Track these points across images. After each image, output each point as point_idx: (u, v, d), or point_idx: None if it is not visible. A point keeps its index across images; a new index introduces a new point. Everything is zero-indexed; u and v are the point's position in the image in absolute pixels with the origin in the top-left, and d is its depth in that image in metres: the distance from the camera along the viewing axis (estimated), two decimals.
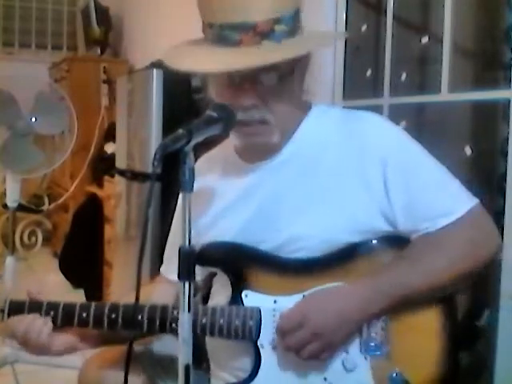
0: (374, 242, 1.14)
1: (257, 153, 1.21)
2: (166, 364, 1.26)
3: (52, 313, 1.14)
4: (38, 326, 1.12)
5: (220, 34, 1.08)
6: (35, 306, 1.15)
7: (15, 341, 1.15)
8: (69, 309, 1.14)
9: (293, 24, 1.11)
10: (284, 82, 1.12)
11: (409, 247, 1.13)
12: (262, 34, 1.07)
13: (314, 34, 1.18)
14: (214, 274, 1.23)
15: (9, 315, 1.15)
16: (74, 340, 1.16)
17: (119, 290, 2.94)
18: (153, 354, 1.31)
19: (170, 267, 1.31)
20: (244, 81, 1.09)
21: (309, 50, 1.15)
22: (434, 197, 1.13)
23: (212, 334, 1.11)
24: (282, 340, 1.08)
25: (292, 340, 1.06)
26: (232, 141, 1.19)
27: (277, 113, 1.12)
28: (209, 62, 1.10)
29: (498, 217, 1.54)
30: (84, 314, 1.13)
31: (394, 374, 1.08)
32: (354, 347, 1.10)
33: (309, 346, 1.05)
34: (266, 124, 1.12)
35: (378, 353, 1.10)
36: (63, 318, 1.14)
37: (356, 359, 1.10)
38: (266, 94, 1.10)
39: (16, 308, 1.15)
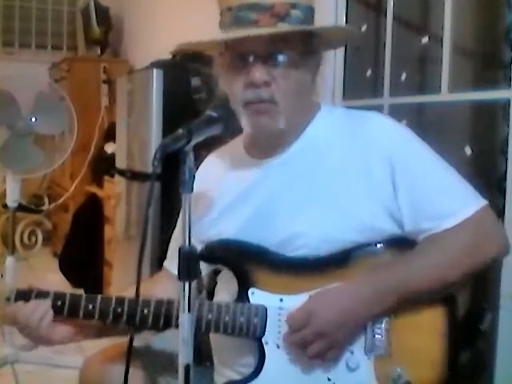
0: (381, 243, 1.14)
1: (265, 149, 1.22)
2: (167, 361, 1.26)
3: (59, 303, 1.14)
4: (41, 311, 1.13)
5: (237, 15, 1.11)
6: (42, 296, 1.15)
7: (16, 327, 1.15)
8: (75, 300, 1.15)
9: (308, 14, 1.14)
10: (295, 69, 1.13)
11: (414, 248, 1.13)
12: (278, 15, 1.10)
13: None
14: (218, 271, 1.23)
15: None
16: (74, 330, 1.17)
17: (119, 290, 2.93)
18: (153, 350, 1.31)
19: (174, 261, 1.30)
20: (257, 58, 1.11)
21: (321, 28, 1.18)
22: (441, 197, 1.13)
23: (217, 330, 1.12)
24: (288, 337, 1.09)
25: (296, 338, 1.08)
26: (243, 127, 1.18)
27: (286, 97, 1.13)
28: (226, 35, 1.12)
29: (498, 217, 1.54)
30: (90, 306, 1.14)
31: (396, 374, 1.08)
32: (359, 347, 1.10)
33: (314, 344, 1.07)
34: (274, 104, 1.13)
35: (382, 353, 1.10)
36: (69, 308, 1.14)
37: (360, 359, 1.10)
38: (278, 74, 1.12)
39: (23, 297, 1.16)
